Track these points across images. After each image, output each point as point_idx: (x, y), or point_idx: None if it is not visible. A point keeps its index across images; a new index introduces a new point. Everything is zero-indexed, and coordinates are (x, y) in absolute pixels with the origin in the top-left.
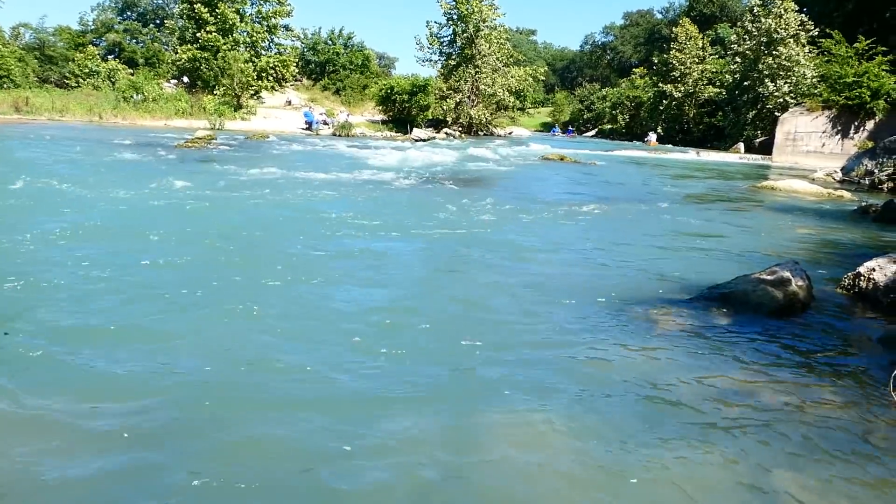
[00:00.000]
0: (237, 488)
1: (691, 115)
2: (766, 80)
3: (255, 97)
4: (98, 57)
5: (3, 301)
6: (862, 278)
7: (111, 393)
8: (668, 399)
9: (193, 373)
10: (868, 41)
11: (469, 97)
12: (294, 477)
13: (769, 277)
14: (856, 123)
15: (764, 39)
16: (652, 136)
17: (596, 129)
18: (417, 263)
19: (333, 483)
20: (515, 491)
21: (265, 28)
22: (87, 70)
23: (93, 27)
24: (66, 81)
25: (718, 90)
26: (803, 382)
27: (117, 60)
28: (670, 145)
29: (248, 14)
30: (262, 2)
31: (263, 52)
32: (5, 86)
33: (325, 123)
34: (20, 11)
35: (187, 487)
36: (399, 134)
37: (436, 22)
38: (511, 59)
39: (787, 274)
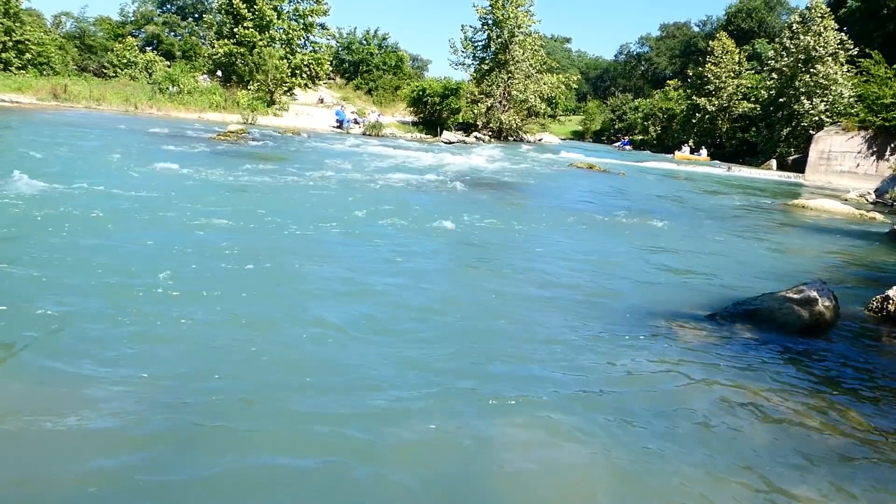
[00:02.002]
0: (245, 486)
1: (724, 130)
2: (802, 98)
3: (289, 94)
4: (136, 48)
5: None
6: (890, 301)
7: (117, 386)
8: (687, 414)
9: (204, 364)
10: None
11: (500, 102)
12: (304, 477)
13: (796, 296)
14: (892, 145)
15: (802, 56)
16: (697, 151)
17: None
18: (433, 269)
19: (343, 484)
20: (528, 498)
21: (301, 26)
22: (125, 60)
23: (132, 18)
24: (104, 71)
25: (753, 106)
26: (825, 403)
27: (155, 52)
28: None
29: (285, 11)
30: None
31: (298, 50)
32: (45, 73)
33: (356, 122)
34: (62, 0)
35: (193, 485)
36: (429, 136)
37: (471, 26)
38: (544, 66)
39: (813, 293)
